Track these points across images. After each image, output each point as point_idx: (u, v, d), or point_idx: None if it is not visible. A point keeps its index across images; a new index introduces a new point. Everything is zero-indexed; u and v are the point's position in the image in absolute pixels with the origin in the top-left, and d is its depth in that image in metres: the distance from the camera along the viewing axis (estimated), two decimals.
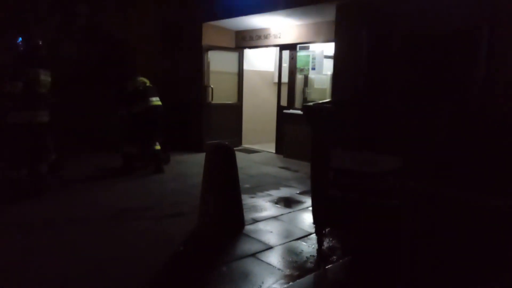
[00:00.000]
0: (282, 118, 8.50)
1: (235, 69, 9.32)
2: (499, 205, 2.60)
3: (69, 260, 3.45)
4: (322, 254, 3.71)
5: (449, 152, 3.31)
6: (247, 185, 5.95)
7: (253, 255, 3.63)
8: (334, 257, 3.66)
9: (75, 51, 8.00)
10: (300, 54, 8.16)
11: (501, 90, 4.77)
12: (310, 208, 4.04)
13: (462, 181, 3.23)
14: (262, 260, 3.53)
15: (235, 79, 9.35)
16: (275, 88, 9.01)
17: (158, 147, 6.78)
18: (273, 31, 8.48)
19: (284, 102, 8.59)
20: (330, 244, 3.93)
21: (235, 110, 9.38)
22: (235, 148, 5.14)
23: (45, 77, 5.28)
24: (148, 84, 6.75)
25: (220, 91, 8.90)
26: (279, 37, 8.38)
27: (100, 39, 8.32)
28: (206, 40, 8.56)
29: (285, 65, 8.60)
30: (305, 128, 5.31)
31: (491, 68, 4.83)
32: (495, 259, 3.05)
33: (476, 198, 2.71)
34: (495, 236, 3.04)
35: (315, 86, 8.30)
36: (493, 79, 4.83)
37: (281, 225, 4.43)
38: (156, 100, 6.68)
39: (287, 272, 3.34)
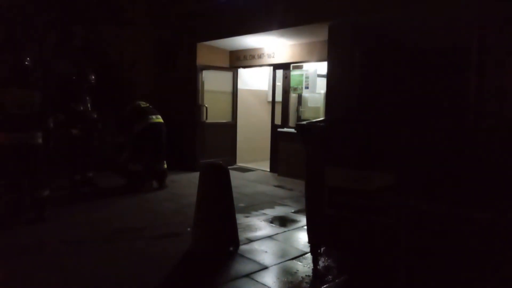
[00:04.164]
0: (276, 136, 8.52)
1: (229, 88, 9.37)
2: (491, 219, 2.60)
3: (62, 282, 3.38)
4: (317, 274, 3.67)
5: (444, 168, 3.32)
6: (241, 204, 5.91)
7: (248, 275, 3.58)
8: (330, 276, 3.62)
9: (71, 71, 8.00)
10: (294, 73, 8.23)
11: (492, 103, 4.84)
12: (305, 227, 4.01)
13: (457, 197, 3.23)
14: (257, 281, 3.48)
15: (229, 98, 9.39)
16: (269, 107, 9.06)
17: (165, 165, 6.91)
18: (266, 50, 8.58)
19: (278, 121, 8.63)
20: (326, 264, 3.89)
21: (229, 129, 9.39)
22: (229, 167, 5.12)
23: (23, 96, 4.93)
24: (147, 105, 6.98)
25: (214, 110, 8.93)
26: (273, 57, 8.47)
27: (96, 58, 8.34)
28: (200, 60, 8.64)
29: (279, 84, 8.67)
30: (299, 147, 5.31)
31: (483, 83, 4.89)
32: (490, 275, 3.03)
33: (470, 213, 2.71)
34: (487, 251, 3.03)
35: (309, 105, 8.36)
36: (483, 94, 4.90)
37: (276, 245, 4.39)
38: (156, 118, 6.84)
39: None
